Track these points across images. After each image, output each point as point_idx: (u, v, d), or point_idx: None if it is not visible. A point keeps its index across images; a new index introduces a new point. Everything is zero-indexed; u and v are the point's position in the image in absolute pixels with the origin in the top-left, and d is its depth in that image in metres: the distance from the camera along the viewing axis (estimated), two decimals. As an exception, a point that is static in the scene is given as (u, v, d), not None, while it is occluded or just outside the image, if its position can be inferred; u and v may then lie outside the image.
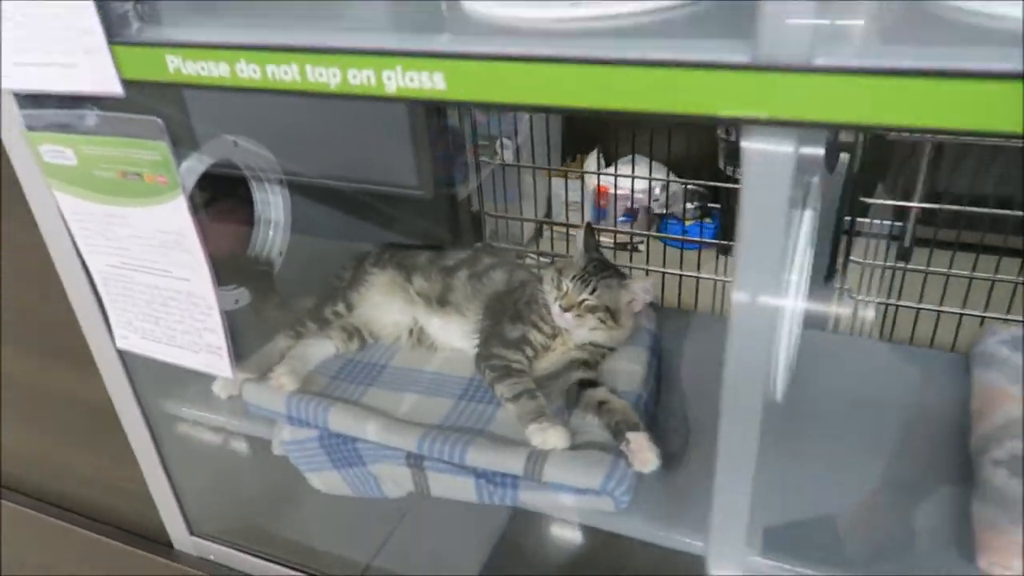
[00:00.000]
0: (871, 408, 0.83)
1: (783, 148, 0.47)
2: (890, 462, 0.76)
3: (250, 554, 0.96)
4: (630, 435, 0.71)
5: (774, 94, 0.44)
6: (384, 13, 0.64)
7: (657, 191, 2.36)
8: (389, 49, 0.53)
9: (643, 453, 0.70)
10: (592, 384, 0.79)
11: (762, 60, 0.44)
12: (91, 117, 0.68)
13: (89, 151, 0.69)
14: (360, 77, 0.54)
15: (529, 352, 0.83)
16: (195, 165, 0.89)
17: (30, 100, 0.70)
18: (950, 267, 1.26)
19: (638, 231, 2.20)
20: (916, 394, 0.85)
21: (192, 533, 0.99)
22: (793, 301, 0.65)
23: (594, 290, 0.81)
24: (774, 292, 0.53)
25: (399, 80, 0.53)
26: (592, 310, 0.81)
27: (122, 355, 0.84)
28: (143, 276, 0.76)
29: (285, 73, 0.57)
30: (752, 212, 0.50)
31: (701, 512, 0.65)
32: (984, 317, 1.22)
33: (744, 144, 0.48)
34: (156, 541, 1.02)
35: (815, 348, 0.95)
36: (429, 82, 0.52)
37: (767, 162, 0.48)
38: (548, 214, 2.55)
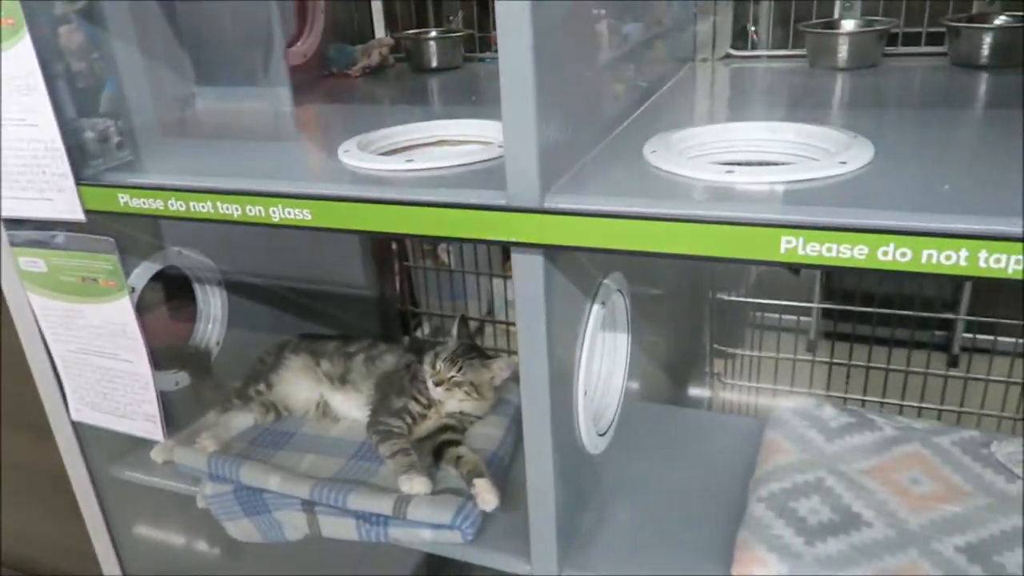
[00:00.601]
0: (690, 464, 1.03)
1: (532, 258, 0.69)
2: (691, 503, 0.95)
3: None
4: (476, 481, 0.90)
5: (518, 225, 0.67)
6: (282, 163, 0.88)
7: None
8: (273, 191, 0.75)
9: (484, 495, 0.89)
10: (456, 444, 0.98)
11: (512, 202, 0.67)
12: (60, 236, 0.90)
13: (57, 261, 0.90)
14: (254, 210, 0.77)
15: (408, 419, 1.02)
16: (145, 271, 1.10)
17: (13, 223, 0.91)
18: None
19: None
20: (728, 453, 1.05)
21: (127, 581, 1.14)
22: (585, 376, 0.85)
23: (460, 368, 1.01)
24: (543, 366, 0.74)
25: (281, 213, 0.76)
26: (459, 385, 1.02)
27: (75, 426, 1.03)
28: (95, 359, 0.95)
29: (202, 207, 0.79)
30: (521, 305, 0.72)
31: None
32: (845, 398, 1.45)
33: (512, 256, 0.70)
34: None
35: (654, 419, 1.15)
36: (300, 214, 0.75)
37: (525, 266, 0.70)
38: (490, 312, 2.78)
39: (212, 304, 1.25)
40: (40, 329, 0.96)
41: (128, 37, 1.01)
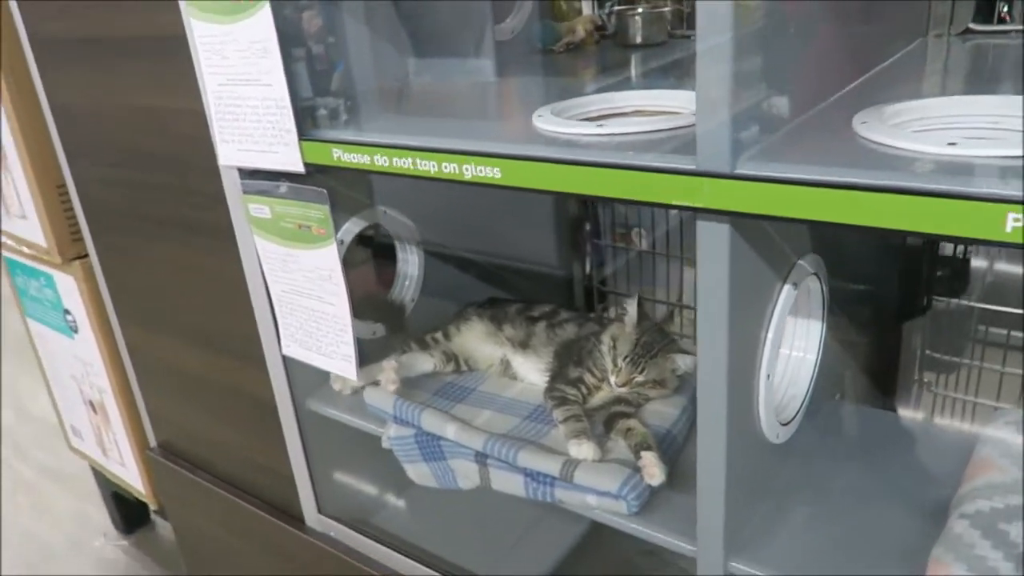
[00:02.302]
0: (884, 469, 0.95)
1: (718, 227, 0.66)
2: (883, 511, 0.87)
3: (363, 535, 1.21)
4: (643, 454, 0.89)
5: (704, 190, 0.64)
6: (478, 126, 0.91)
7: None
8: (466, 150, 0.78)
9: (651, 468, 0.88)
10: (627, 416, 0.97)
11: (701, 167, 0.64)
12: (283, 186, 0.99)
13: (279, 209, 1.00)
14: (449, 167, 0.80)
15: (583, 389, 1.03)
16: (353, 226, 1.20)
17: (246, 173, 1.02)
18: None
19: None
20: (928, 463, 0.95)
21: (320, 512, 1.25)
22: (769, 359, 0.81)
23: (643, 369, 1.00)
24: (722, 342, 0.71)
25: (473, 170, 0.78)
26: (641, 384, 1.00)
27: (285, 360, 1.14)
28: (305, 300, 1.05)
29: (403, 162, 0.84)
30: (703, 276, 0.69)
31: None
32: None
33: (698, 226, 0.68)
34: (290, 515, 1.29)
35: (847, 417, 1.07)
36: (491, 172, 0.77)
37: (710, 236, 0.67)
38: (680, 298, 2.71)
39: (410, 263, 1.33)
40: (262, 270, 1.07)
41: (358, 19, 1.09)
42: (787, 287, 0.81)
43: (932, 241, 1.25)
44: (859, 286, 1.12)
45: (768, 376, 0.81)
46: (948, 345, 1.43)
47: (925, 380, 1.43)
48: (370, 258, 1.34)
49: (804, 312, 0.93)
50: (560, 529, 1.27)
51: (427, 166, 0.82)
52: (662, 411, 1.01)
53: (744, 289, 0.72)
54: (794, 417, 0.91)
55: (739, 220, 0.66)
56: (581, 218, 1.66)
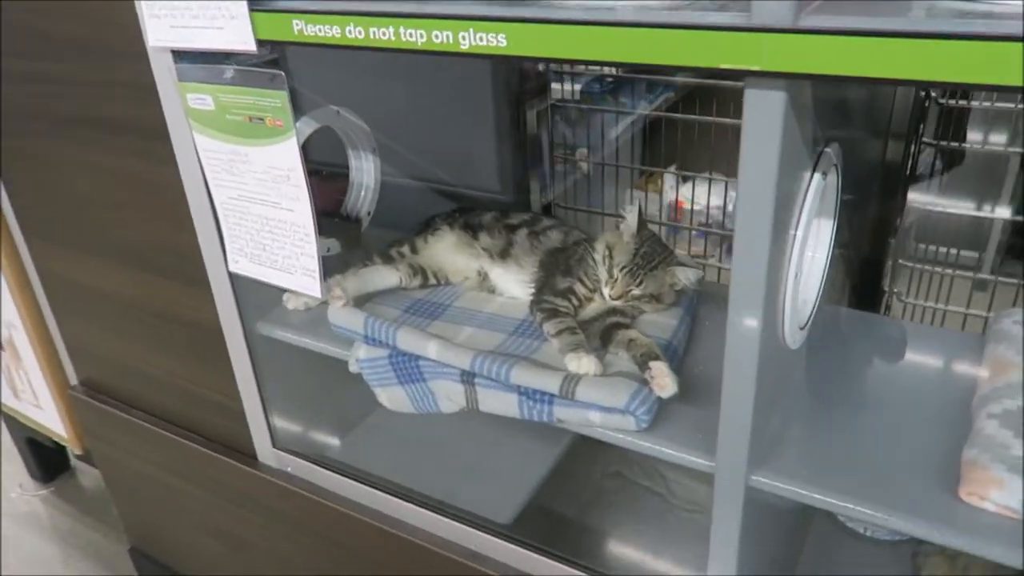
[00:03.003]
0: (889, 373, 0.91)
1: (772, 95, 0.57)
2: (896, 415, 0.83)
3: (325, 468, 1.10)
4: (652, 364, 0.81)
5: (762, 48, 0.55)
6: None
7: (732, 207, 2.42)
8: (462, 14, 0.66)
9: (662, 379, 0.80)
10: (625, 326, 0.89)
11: (757, 21, 0.55)
12: (229, 71, 0.85)
13: (225, 99, 0.86)
14: (441, 36, 0.68)
15: (574, 301, 0.94)
16: (305, 127, 1.05)
17: (182, 56, 0.87)
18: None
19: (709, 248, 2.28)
20: (934, 364, 0.92)
21: (275, 446, 1.14)
22: (798, 258, 0.74)
23: (641, 282, 0.92)
24: (766, 235, 0.63)
25: (472, 39, 0.66)
26: (638, 298, 0.92)
27: (232, 278, 1.00)
28: (256, 207, 0.91)
29: (383, 33, 0.71)
30: (749, 153, 0.61)
31: (713, 438, 0.75)
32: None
33: (746, 96, 0.59)
34: (240, 451, 1.17)
35: (847, 322, 1.03)
36: (494, 40, 0.65)
37: (760, 108, 0.58)
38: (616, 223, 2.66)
39: (365, 171, 1.20)
40: (204, 173, 0.93)
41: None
42: (816, 176, 0.74)
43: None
44: (860, 179, 1.07)
45: (796, 276, 0.74)
46: (918, 253, 1.41)
47: (896, 289, 1.41)
48: (317, 166, 1.20)
49: (820, 211, 0.86)
50: (531, 452, 1.20)
51: (413, 36, 0.69)
52: (660, 322, 0.93)
53: (783, 175, 0.64)
54: (808, 321, 0.85)
55: (795, 86, 0.58)
56: (537, 137, 1.55)
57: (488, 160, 1.40)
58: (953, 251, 1.43)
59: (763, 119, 0.59)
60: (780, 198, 0.63)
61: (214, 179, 0.93)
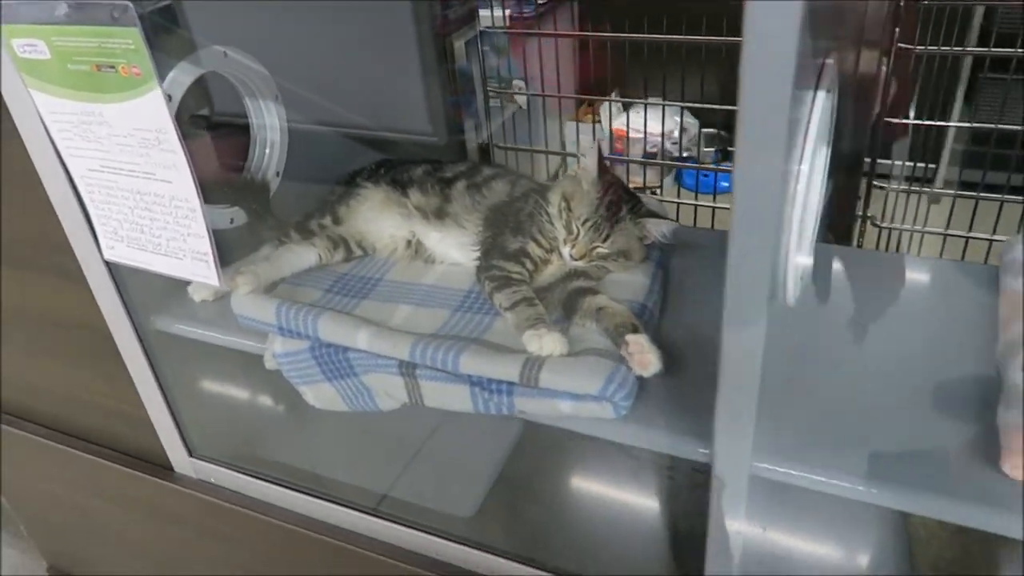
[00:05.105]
0: (896, 317, 0.79)
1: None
2: (913, 370, 0.71)
3: (251, 476, 0.95)
4: (629, 338, 0.67)
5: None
6: None
7: (676, 135, 2.29)
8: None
9: (643, 355, 0.66)
10: (591, 292, 0.75)
11: None
12: (61, 6, 0.65)
13: (62, 43, 0.66)
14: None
15: (529, 265, 0.79)
16: (182, 76, 0.86)
17: (-1, -10, 0.67)
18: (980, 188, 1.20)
19: (653, 177, 2.15)
20: (943, 303, 0.80)
21: (192, 455, 0.97)
22: (804, 192, 0.60)
23: (607, 237, 0.77)
24: (776, 172, 0.49)
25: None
26: (604, 257, 0.77)
27: (111, 268, 0.82)
28: (125, 180, 0.73)
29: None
30: (754, 63, 0.46)
31: (706, 419, 0.62)
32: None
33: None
34: (157, 464, 1.01)
35: (837, 261, 0.91)
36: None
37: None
38: (563, 159, 2.50)
39: (268, 126, 1.01)
40: (53, 142, 0.74)
41: None
42: (821, 94, 0.59)
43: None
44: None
45: (801, 218, 0.60)
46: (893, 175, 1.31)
47: (869, 214, 1.30)
48: (209, 117, 1.01)
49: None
50: (491, 433, 1.06)
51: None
52: (630, 281, 0.79)
53: (796, 92, 0.49)
54: (806, 270, 0.72)
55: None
56: (466, 70, 1.38)
57: (414, 99, 1.22)
58: (909, 165, 1.33)
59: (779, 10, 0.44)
60: (792, 122, 0.49)
61: (67, 148, 0.74)
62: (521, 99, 1.72)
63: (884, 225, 1.27)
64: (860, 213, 1.28)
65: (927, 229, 1.26)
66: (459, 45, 1.29)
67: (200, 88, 0.93)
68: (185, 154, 0.68)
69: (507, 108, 1.71)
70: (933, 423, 0.65)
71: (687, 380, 0.71)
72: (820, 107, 0.59)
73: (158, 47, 0.65)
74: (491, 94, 1.47)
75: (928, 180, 1.36)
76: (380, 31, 1.14)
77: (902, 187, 1.31)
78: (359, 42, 1.13)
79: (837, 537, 0.90)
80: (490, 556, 0.84)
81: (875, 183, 1.25)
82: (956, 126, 1.32)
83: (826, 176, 0.75)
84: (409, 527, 0.86)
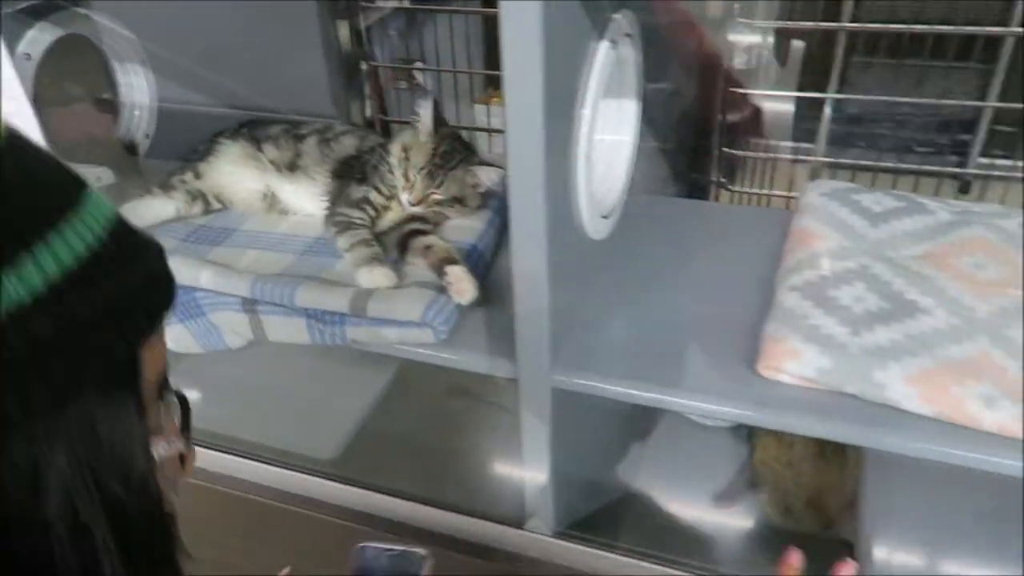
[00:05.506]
0: (710, 255, 0.88)
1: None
2: (705, 299, 0.80)
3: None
4: (448, 268, 0.74)
5: None
6: None
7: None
8: None
9: (459, 284, 0.74)
10: (423, 233, 0.82)
11: None
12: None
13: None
14: None
15: (370, 211, 0.85)
16: (42, 35, 0.90)
17: None
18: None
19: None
20: (754, 243, 0.88)
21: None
22: (588, 138, 0.67)
23: (441, 184, 0.83)
24: (538, 108, 0.55)
25: None
26: (439, 203, 0.84)
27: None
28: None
29: None
30: (510, 19, 0.52)
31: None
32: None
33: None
34: None
35: (666, 211, 0.99)
36: None
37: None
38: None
39: (136, 88, 1.05)
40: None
41: None
42: (604, 44, 0.67)
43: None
44: (668, 63, 1.02)
45: (587, 158, 0.68)
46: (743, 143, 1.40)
47: (721, 179, 1.40)
48: (75, 77, 1.03)
49: (618, 90, 0.80)
50: (360, 379, 1.12)
51: None
52: (465, 226, 0.86)
53: (557, 41, 0.56)
54: (613, 209, 0.80)
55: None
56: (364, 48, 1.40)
57: (312, 78, 1.25)
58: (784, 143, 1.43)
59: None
60: (554, 65, 0.56)
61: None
62: (423, 80, 1.75)
63: (735, 189, 1.37)
64: (714, 178, 1.38)
65: (772, 192, 1.36)
66: (352, 24, 1.31)
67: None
68: (37, 115, 0.72)
69: (416, 91, 1.75)
70: (717, 340, 0.73)
71: (507, 310, 0.78)
72: (602, 57, 0.67)
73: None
74: (396, 77, 1.50)
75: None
76: (278, 9, 1.17)
77: (748, 154, 1.40)
78: (256, 21, 1.15)
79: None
80: (352, 488, 0.90)
81: (724, 150, 1.35)
82: (786, 95, 1.41)
83: (638, 128, 0.83)
84: (265, 463, 0.91)
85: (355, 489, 0.90)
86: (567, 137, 0.66)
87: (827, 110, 1.89)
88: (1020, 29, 1.02)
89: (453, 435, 1.05)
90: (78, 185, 0.33)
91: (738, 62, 1.29)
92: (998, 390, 0.61)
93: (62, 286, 0.30)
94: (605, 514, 0.92)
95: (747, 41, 1.27)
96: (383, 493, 0.89)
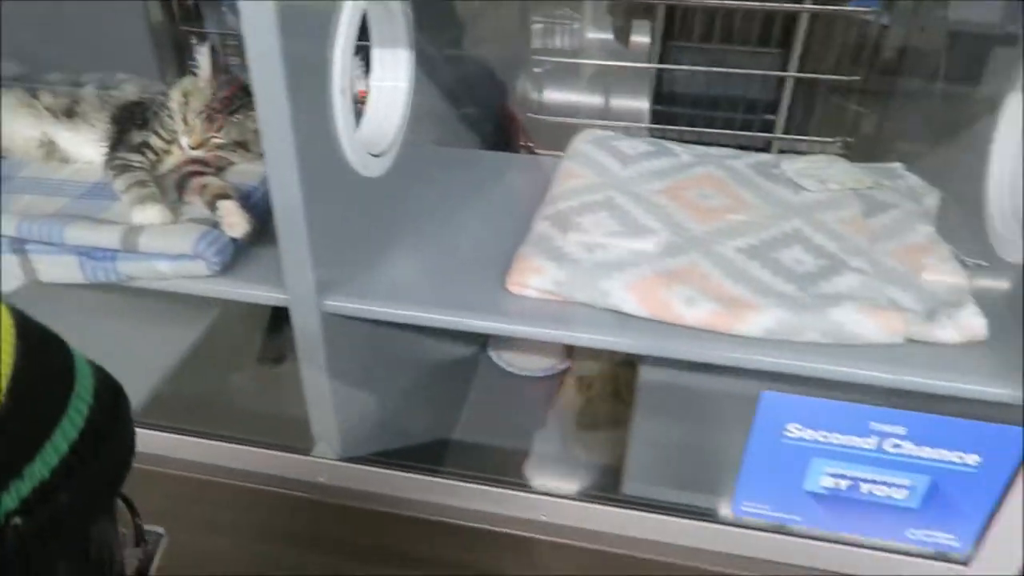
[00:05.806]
0: (482, 199, 0.94)
1: None
2: (475, 234, 0.87)
3: None
4: (220, 203, 0.77)
5: None
6: None
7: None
8: None
9: (231, 217, 0.77)
10: (200, 174, 0.84)
11: None
12: None
13: None
14: None
15: (150, 155, 0.86)
16: None
17: None
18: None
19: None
20: (525, 188, 0.96)
21: None
22: (343, 77, 0.72)
23: (221, 128, 0.85)
24: (275, 49, 0.60)
25: None
26: (221, 147, 0.86)
27: None
28: None
29: None
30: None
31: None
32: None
33: None
34: None
35: (450, 156, 1.06)
36: None
37: None
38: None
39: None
40: None
41: None
42: (349, 3, 0.72)
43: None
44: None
45: (343, 92, 0.72)
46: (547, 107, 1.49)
47: (529, 143, 1.48)
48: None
49: (391, 40, 0.85)
50: (170, 329, 1.12)
51: None
52: (248, 170, 0.89)
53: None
54: (388, 149, 0.85)
55: None
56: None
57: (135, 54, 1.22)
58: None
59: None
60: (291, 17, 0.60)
61: None
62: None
63: (540, 152, 1.46)
64: (522, 142, 1.46)
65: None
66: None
67: None
68: None
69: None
70: (479, 266, 0.80)
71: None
72: (348, 11, 0.72)
73: None
74: (224, 51, 1.46)
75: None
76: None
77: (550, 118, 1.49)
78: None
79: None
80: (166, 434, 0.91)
81: (529, 114, 1.43)
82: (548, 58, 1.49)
83: (412, 76, 0.88)
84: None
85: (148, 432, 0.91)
86: (322, 77, 0.70)
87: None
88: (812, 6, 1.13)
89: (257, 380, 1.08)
90: (72, 359, 0.35)
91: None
92: (699, 292, 0.71)
93: (70, 460, 0.31)
94: (408, 453, 0.97)
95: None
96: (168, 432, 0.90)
